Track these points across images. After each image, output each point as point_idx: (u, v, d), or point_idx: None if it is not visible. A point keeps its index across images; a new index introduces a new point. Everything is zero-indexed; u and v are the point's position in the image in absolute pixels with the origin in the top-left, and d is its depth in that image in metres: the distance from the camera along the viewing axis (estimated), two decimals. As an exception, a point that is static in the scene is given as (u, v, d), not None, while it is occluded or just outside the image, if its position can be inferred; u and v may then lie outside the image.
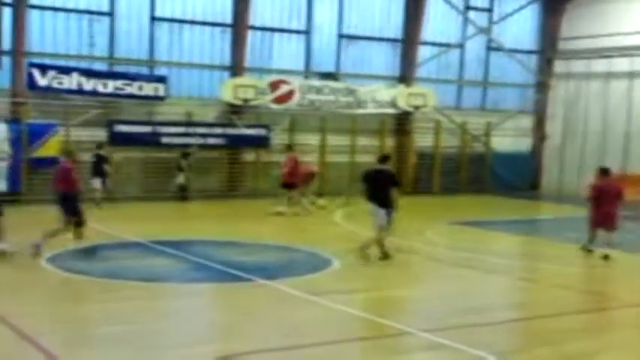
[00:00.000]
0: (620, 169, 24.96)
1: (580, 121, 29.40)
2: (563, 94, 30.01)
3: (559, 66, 30.19)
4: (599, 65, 28.61)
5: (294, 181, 20.56)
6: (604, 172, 15.95)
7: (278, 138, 24.48)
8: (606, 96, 28.63)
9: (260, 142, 24.17)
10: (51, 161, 21.06)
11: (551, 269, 14.43)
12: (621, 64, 28.08)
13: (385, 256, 14.05)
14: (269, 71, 25.03)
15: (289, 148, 21.43)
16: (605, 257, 15.06)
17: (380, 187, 13.85)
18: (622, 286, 13.56)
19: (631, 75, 28.08)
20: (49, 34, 22.10)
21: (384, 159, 14.56)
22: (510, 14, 29.44)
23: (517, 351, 9.30)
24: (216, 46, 24.23)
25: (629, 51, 27.60)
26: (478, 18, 28.96)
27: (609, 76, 28.47)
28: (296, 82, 24.85)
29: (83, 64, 22.40)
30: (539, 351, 9.14)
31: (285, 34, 25.43)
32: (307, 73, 25.74)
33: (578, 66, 29.32)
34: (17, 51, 21.27)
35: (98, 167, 20.49)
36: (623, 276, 14.38)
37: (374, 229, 14.09)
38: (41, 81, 21.32)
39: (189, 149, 22.96)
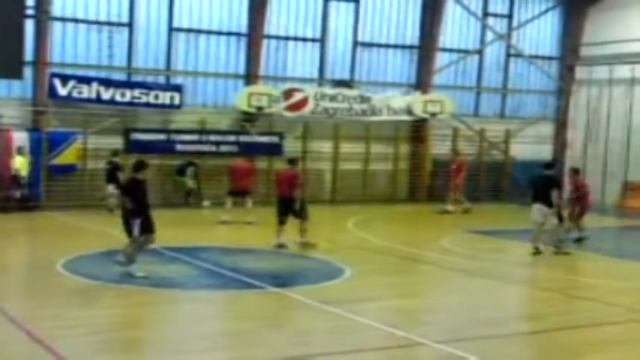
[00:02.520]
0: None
1: (602, 128, 30.27)
2: (584, 101, 30.94)
3: (580, 72, 31.15)
4: (622, 71, 29.39)
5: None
6: (575, 171, 19.76)
7: (291, 146, 26.12)
8: (629, 102, 29.42)
9: (273, 150, 25.91)
10: (69, 168, 23.24)
11: (570, 280, 14.89)
12: (645, 70, 28.87)
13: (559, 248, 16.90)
14: (284, 79, 26.81)
15: (292, 162, 18.16)
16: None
17: (544, 190, 16.51)
18: None
19: (655, 81, 28.98)
20: (70, 44, 24.15)
21: (549, 166, 17.58)
22: (530, 20, 30.64)
23: None
24: (232, 55, 26.10)
25: (653, 56, 28.47)
26: (497, 24, 30.25)
27: (633, 82, 29.25)
28: (310, 90, 26.51)
29: (102, 74, 24.39)
30: None
31: (300, 42, 27.16)
32: (321, 80, 27.34)
33: (601, 72, 30.16)
34: (39, 61, 23.30)
35: (113, 174, 22.29)
36: None
37: (535, 225, 16.52)
38: (62, 90, 23.36)
39: (196, 159, 24.56)
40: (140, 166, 13.71)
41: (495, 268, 15.48)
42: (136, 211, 13.28)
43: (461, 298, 12.99)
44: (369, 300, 12.34)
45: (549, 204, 16.59)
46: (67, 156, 23.26)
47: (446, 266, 15.69)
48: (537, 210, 16.73)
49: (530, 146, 30.43)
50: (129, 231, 13.34)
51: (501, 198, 29.58)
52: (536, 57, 31.00)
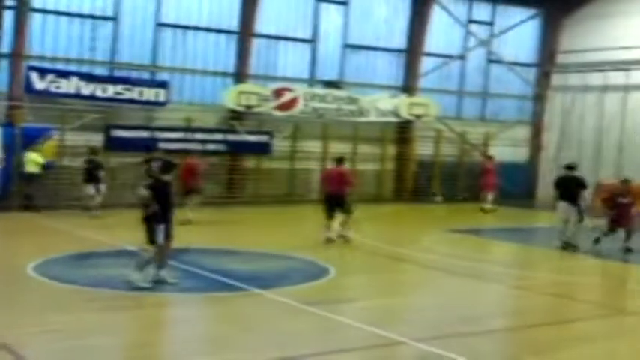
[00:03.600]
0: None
1: (575, 133, 24.75)
2: (559, 106, 25.31)
3: (556, 79, 25.45)
4: (595, 78, 24.02)
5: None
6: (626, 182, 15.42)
7: (280, 145, 19.98)
8: (601, 108, 24.04)
9: (262, 149, 19.68)
10: (45, 166, 16.87)
11: (546, 277, 12.31)
12: (616, 78, 23.52)
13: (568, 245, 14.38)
14: (273, 79, 20.54)
15: (340, 161, 14.52)
16: None
17: (570, 189, 14.40)
18: (613, 294, 11.42)
19: (625, 88, 23.54)
20: (50, 37, 17.79)
21: (571, 167, 14.99)
22: (510, 28, 24.72)
23: (509, 359, 7.94)
24: (221, 53, 19.78)
25: (624, 65, 23.12)
26: (479, 31, 24.27)
27: (604, 89, 23.89)
28: (300, 90, 20.37)
29: (84, 69, 18.03)
30: (531, 359, 7.74)
31: (291, 42, 20.88)
32: (311, 81, 21.16)
33: (575, 79, 24.65)
34: (16, 54, 17.00)
35: (91, 173, 16.04)
36: (615, 284, 12.13)
37: (562, 222, 14.49)
38: (39, 84, 17.04)
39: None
40: (168, 167, 10.00)
41: (475, 267, 12.71)
42: (161, 215, 9.63)
43: (441, 296, 10.74)
44: (352, 300, 10.08)
45: (574, 202, 14.36)
46: (44, 153, 16.87)
47: (428, 265, 12.97)
48: (564, 208, 14.53)
49: (508, 148, 24.60)
50: (151, 237, 9.66)
51: (481, 198, 23.63)
52: (515, 63, 25.00)
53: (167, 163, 10.19)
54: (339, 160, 14.39)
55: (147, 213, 9.62)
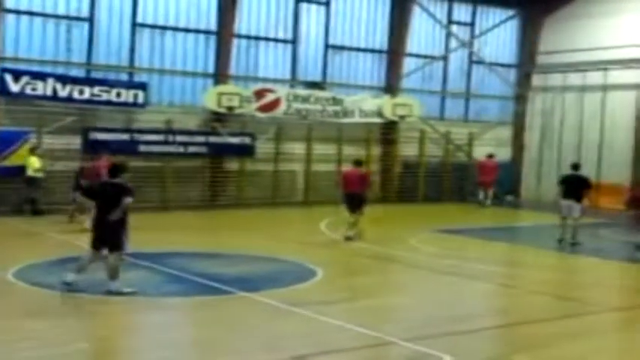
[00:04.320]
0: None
1: (556, 132, 24.81)
2: (540, 106, 25.33)
3: (537, 79, 25.46)
4: (575, 79, 24.11)
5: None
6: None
7: (263, 147, 19.66)
8: (581, 108, 24.11)
9: (245, 151, 19.30)
10: (21, 170, 16.34)
11: (530, 275, 12.26)
12: (595, 78, 23.65)
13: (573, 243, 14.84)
14: (254, 79, 20.22)
15: (359, 164, 15.58)
16: None
17: (575, 187, 14.92)
18: (599, 291, 11.26)
19: (604, 88, 23.63)
20: (24, 39, 17.27)
21: (577, 167, 15.50)
22: (491, 29, 24.76)
23: (498, 357, 7.89)
24: (200, 53, 19.40)
25: (603, 65, 23.23)
26: (461, 32, 24.24)
27: (584, 89, 23.97)
28: (282, 91, 20.08)
29: (60, 70, 17.54)
30: (519, 357, 7.73)
31: (272, 43, 20.60)
32: (293, 81, 20.89)
33: (555, 79, 24.70)
34: (-12, 56, 16.49)
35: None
36: (600, 282, 12.01)
37: (567, 217, 14.93)
38: (14, 87, 16.53)
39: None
40: (119, 169, 9.46)
41: (461, 266, 12.54)
42: (123, 221, 9.21)
43: (429, 296, 10.71)
44: (339, 301, 9.79)
45: (579, 200, 14.93)
46: (19, 157, 16.35)
47: (415, 265, 12.86)
48: (567, 205, 14.96)
49: (491, 148, 24.31)
50: (115, 244, 9.17)
51: (465, 198, 23.56)
52: (497, 64, 25.01)
53: (117, 164, 9.78)
54: (357, 163, 15.42)
55: (113, 219, 9.14)
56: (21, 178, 16.15)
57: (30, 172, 16.04)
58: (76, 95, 17.11)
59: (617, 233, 16.68)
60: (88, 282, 9.54)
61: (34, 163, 16.05)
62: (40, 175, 16.06)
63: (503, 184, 23.61)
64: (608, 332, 9.12)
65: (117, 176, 9.38)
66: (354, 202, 14.74)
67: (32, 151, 16.26)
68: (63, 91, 16.95)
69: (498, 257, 14.68)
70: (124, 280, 9.46)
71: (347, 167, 16.41)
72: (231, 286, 9.91)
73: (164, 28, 18.85)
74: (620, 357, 8.20)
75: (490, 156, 23.12)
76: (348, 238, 14.37)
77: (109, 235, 9.19)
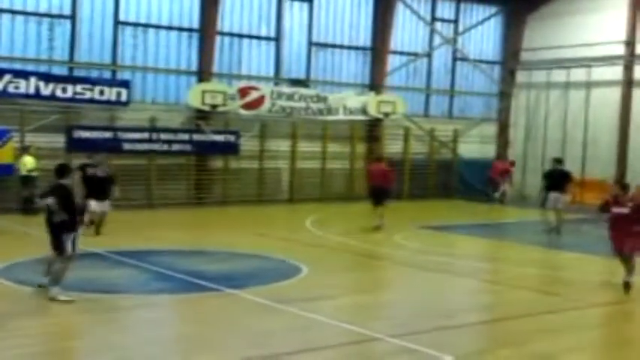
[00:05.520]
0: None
1: (541, 129, 25.10)
2: (524, 103, 25.62)
3: (521, 76, 25.75)
4: (559, 75, 24.38)
5: None
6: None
7: (248, 144, 19.77)
8: (565, 105, 24.40)
9: (229, 149, 19.41)
10: (5, 169, 16.34)
11: (514, 271, 12.35)
12: (579, 75, 23.93)
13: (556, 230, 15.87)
14: (238, 77, 20.33)
15: (380, 160, 17.59)
16: None
17: (558, 180, 15.90)
18: (582, 287, 11.37)
19: (588, 85, 23.92)
20: (5, 37, 17.27)
21: (560, 161, 16.72)
22: (474, 26, 25.03)
23: (482, 352, 7.89)
24: (183, 51, 19.49)
25: (587, 62, 23.52)
26: (444, 29, 24.49)
27: (568, 85, 24.25)
28: (266, 89, 20.21)
29: (42, 68, 17.55)
30: (503, 352, 7.82)
31: (255, 40, 20.72)
32: (277, 79, 21.02)
33: (539, 76, 24.99)
34: (-30, 54, 16.48)
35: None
36: (583, 277, 12.08)
37: (553, 210, 15.85)
38: (-5, 85, 16.49)
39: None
40: (64, 170, 9.15)
41: (446, 262, 12.71)
42: (68, 223, 8.87)
43: (414, 292, 10.72)
44: (325, 298, 9.81)
45: (563, 192, 15.96)
46: (2, 156, 16.35)
47: (401, 262, 12.95)
48: (554, 197, 15.88)
49: (476, 145, 24.89)
50: (59, 247, 8.91)
51: (450, 195, 23.79)
52: (481, 61, 25.29)
53: (62, 165, 9.37)
54: (379, 159, 17.12)
55: (54, 221, 8.86)
56: (16, 177, 16.17)
57: (24, 172, 16.03)
58: (59, 93, 17.15)
59: (601, 229, 16.88)
60: (74, 280, 9.51)
61: (28, 162, 16.05)
62: (35, 174, 16.03)
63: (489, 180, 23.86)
64: (590, 327, 9.22)
65: (63, 177, 9.04)
66: (379, 195, 16.04)
67: (25, 150, 16.25)
68: (46, 90, 17.00)
69: (483, 253, 14.83)
70: (109, 277, 9.54)
71: (371, 164, 17.92)
72: (216, 284, 9.99)
73: (147, 25, 18.93)
74: (602, 352, 8.35)
75: (511, 162, 23.97)
76: (376, 228, 15.74)
77: (52, 238, 8.98)
